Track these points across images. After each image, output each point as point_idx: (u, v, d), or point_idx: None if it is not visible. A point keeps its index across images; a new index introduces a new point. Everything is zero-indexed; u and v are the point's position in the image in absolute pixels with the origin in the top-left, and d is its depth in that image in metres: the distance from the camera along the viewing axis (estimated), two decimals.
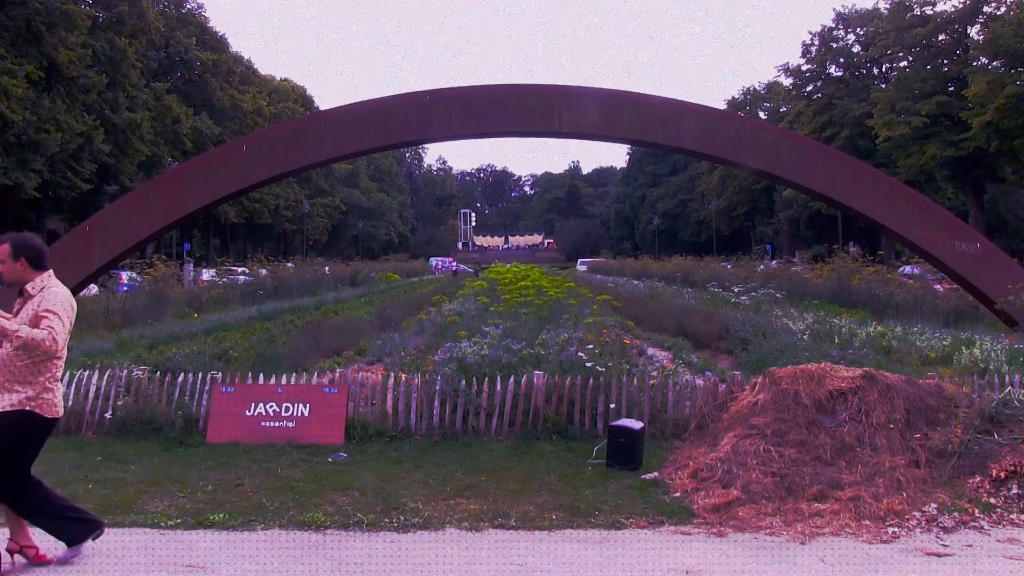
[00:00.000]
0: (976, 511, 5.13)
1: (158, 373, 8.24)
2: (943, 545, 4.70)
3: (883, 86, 50.16)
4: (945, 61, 44.29)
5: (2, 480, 4.21)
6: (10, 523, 4.38)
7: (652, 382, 7.75)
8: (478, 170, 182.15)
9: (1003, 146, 37.50)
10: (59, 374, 4.36)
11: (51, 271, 4.41)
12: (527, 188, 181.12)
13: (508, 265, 28.94)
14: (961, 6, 42.41)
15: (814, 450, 5.72)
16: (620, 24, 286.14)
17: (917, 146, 42.78)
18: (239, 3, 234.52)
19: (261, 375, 8.07)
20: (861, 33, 54.93)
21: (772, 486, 5.42)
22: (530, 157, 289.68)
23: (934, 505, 5.17)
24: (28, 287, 4.28)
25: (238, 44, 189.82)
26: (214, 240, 62.97)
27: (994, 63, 37.73)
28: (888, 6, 47.36)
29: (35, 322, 4.17)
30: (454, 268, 67.66)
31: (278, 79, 76.21)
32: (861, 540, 4.77)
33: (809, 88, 58.44)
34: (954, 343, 11.38)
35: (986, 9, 41.46)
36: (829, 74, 57.49)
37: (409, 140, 15.71)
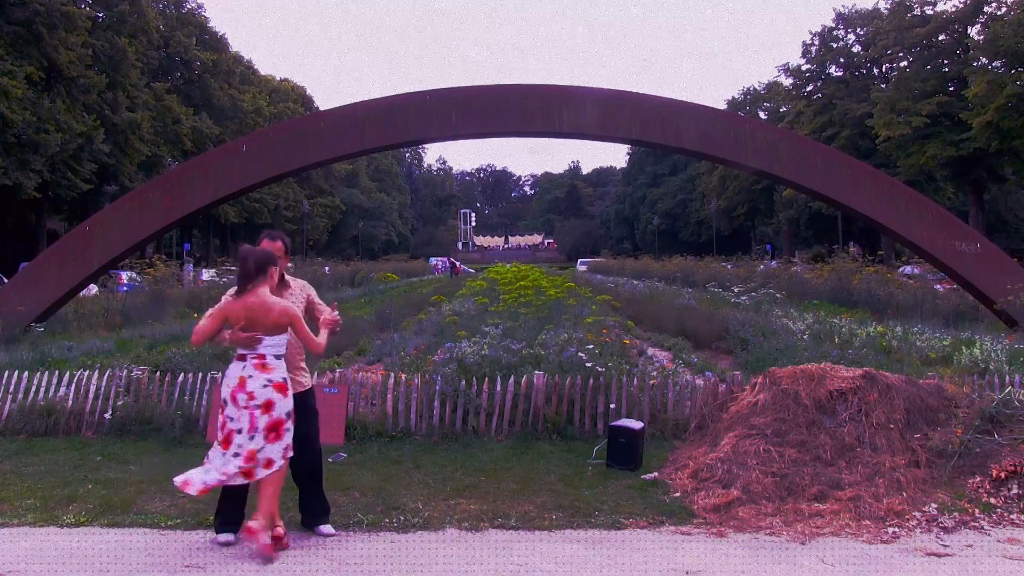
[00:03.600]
0: (976, 511, 5.13)
1: (158, 373, 8.23)
2: (943, 545, 4.70)
3: (883, 86, 50.13)
4: (945, 61, 44.28)
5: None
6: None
7: (652, 382, 7.74)
8: (478, 170, 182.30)
9: (1003, 146, 37.50)
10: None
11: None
12: (527, 188, 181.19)
13: (508, 265, 28.93)
14: (961, 6, 42.40)
15: (814, 450, 5.71)
16: (620, 24, 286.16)
17: (917, 146, 42.76)
18: (239, 3, 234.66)
19: None
20: (861, 33, 54.92)
21: (772, 486, 5.42)
22: (530, 157, 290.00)
23: (934, 505, 5.17)
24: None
25: (238, 44, 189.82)
26: (214, 240, 63.01)
27: (994, 63, 37.73)
28: (888, 6, 47.38)
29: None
30: (457, 267, 67.52)
31: (278, 79, 76.27)
32: (861, 540, 4.77)
33: (809, 88, 58.42)
34: (954, 343, 11.36)
35: (986, 9, 41.45)
36: (829, 74, 57.48)
37: (409, 140, 15.69)
